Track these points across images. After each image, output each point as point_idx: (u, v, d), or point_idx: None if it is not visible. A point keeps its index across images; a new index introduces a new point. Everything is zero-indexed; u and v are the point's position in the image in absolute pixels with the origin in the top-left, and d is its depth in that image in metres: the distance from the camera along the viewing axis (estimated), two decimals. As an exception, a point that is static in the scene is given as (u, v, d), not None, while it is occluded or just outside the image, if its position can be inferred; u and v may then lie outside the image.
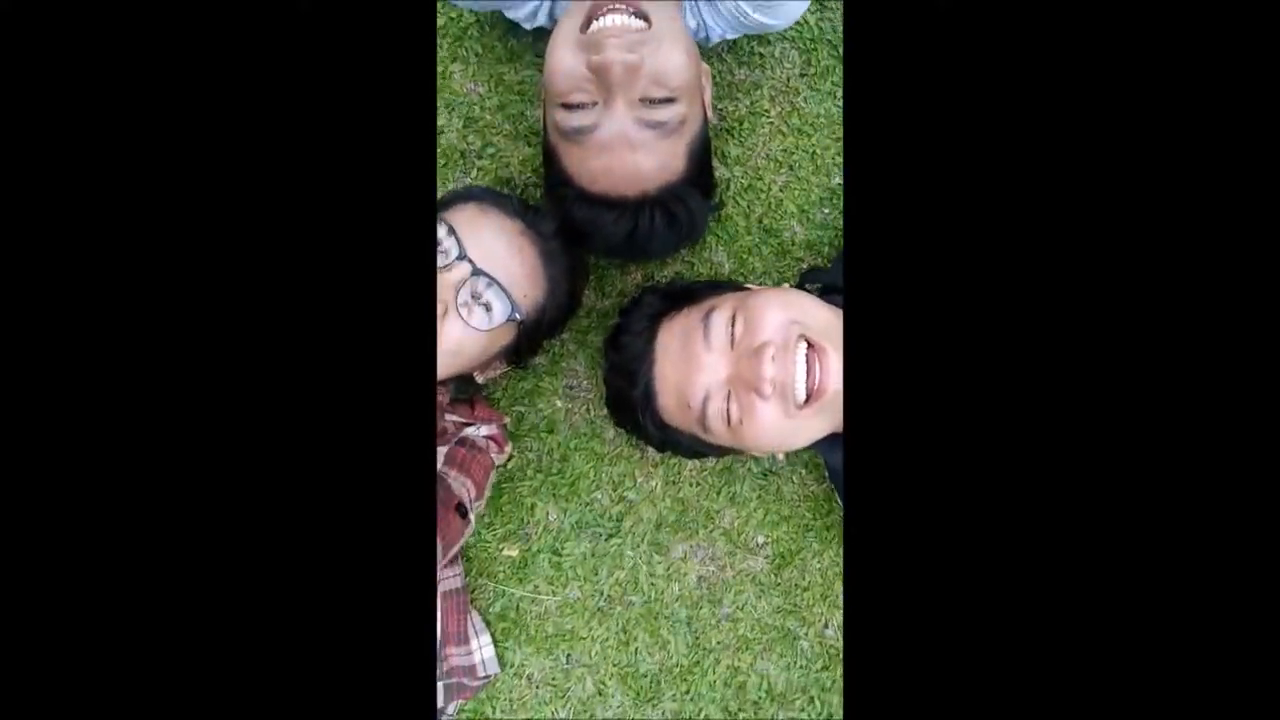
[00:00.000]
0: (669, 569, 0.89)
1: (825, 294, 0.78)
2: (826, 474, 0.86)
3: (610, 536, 0.87)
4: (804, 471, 0.91)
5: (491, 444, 0.75)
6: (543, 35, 0.80)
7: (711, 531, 0.90)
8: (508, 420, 0.77)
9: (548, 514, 0.86)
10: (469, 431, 0.75)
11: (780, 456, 0.82)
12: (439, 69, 0.80)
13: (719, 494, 0.90)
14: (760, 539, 0.91)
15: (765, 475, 0.91)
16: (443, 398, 0.74)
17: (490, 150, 0.82)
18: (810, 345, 0.66)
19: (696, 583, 0.90)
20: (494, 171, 0.82)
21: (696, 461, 0.88)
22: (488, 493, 0.75)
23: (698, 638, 0.90)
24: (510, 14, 0.76)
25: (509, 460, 0.83)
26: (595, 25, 0.61)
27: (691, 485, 0.89)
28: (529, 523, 0.86)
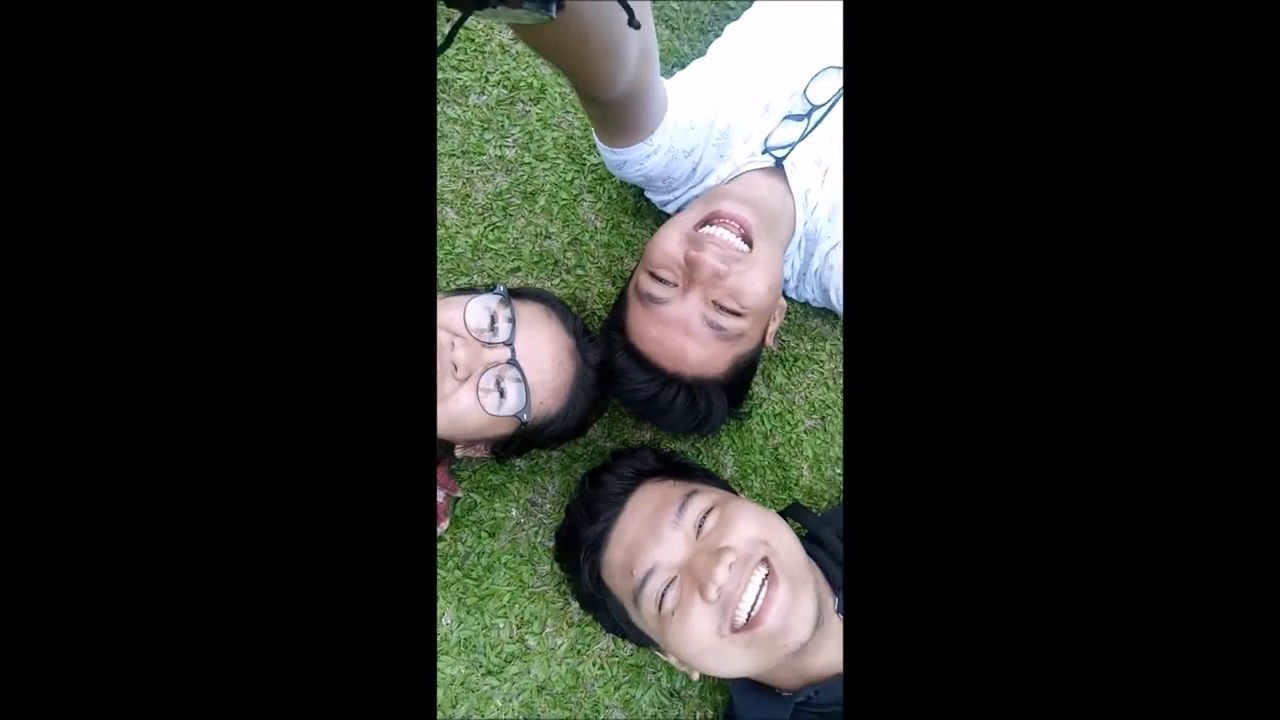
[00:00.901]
0: (527, 743, 0.79)
1: (805, 538, 0.78)
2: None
3: (486, 674, 0.80)
4: (711, 714, 0.83)
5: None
6: (665, 215, 0.91)
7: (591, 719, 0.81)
8: (458, 497, 0.74)
9: (443, 617, 0.80)
10: None
11: (695, 675, 0.76)
12: (571, 193, 0.91)
13: (616, 690, 0.82)
14: (633, 762, 0.81)
15: (671, 695, 0.83)
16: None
17: (580, 272, 0.90)
18: (769, 573, 0.64)
19: (547, 775, 0.79)
20: (574, 289, 0.89)
21: (610, 643, 0.82)
22: None
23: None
24: (649, 194, 0.88)
25: (438, 539, 0.80)
26: (706, 229, 0.70)
27: (595, 665, 0.82)
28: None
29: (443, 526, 0.70)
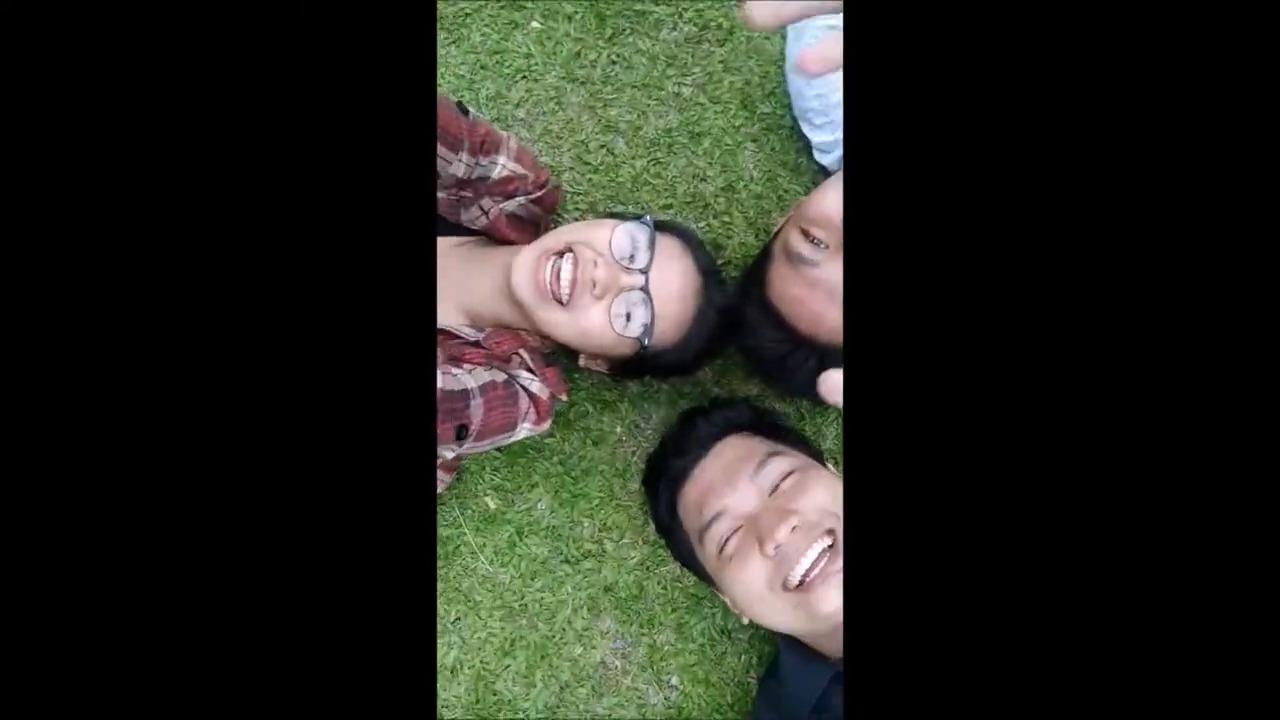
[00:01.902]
0: (584, 630, 0.89)
1: None
2: (765, 674, 0.81)
3: (564, 562, 0.90)
4: (756, 661, 0.87)
5: (533, 409, 0.76)
6: (822, 173, 0.89)
7: (643, 631, 0.88)
8: (565, 397, 0.80)
9: (539, 502, 0.91)
10: (524, 378, 0.75)
11: (745, 620, 0.80)
12: (735, 139, 0.91)
13: (673, 612, 0.88)
14: (675, 680, 0.88)
15: (722, 632, 0.88)
16: (543, 342, 0.79)
17: (726, 219, 0.91)
18: (832, 544, 0.65)
19: (597, 663, 0.88)
20: (718, 235, 0.91)
21: (678, 569, 0.88)
22: (486, 446, 0.75)
23: (554, 708, 0.88)
24: (813, 132, 0.85)
25: (540, 434, 0.84)
26: None
27: (659, 584, 0.89)
28: (520, 492, 0.91)
29: (545, 425, 0.77)
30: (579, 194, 0.92)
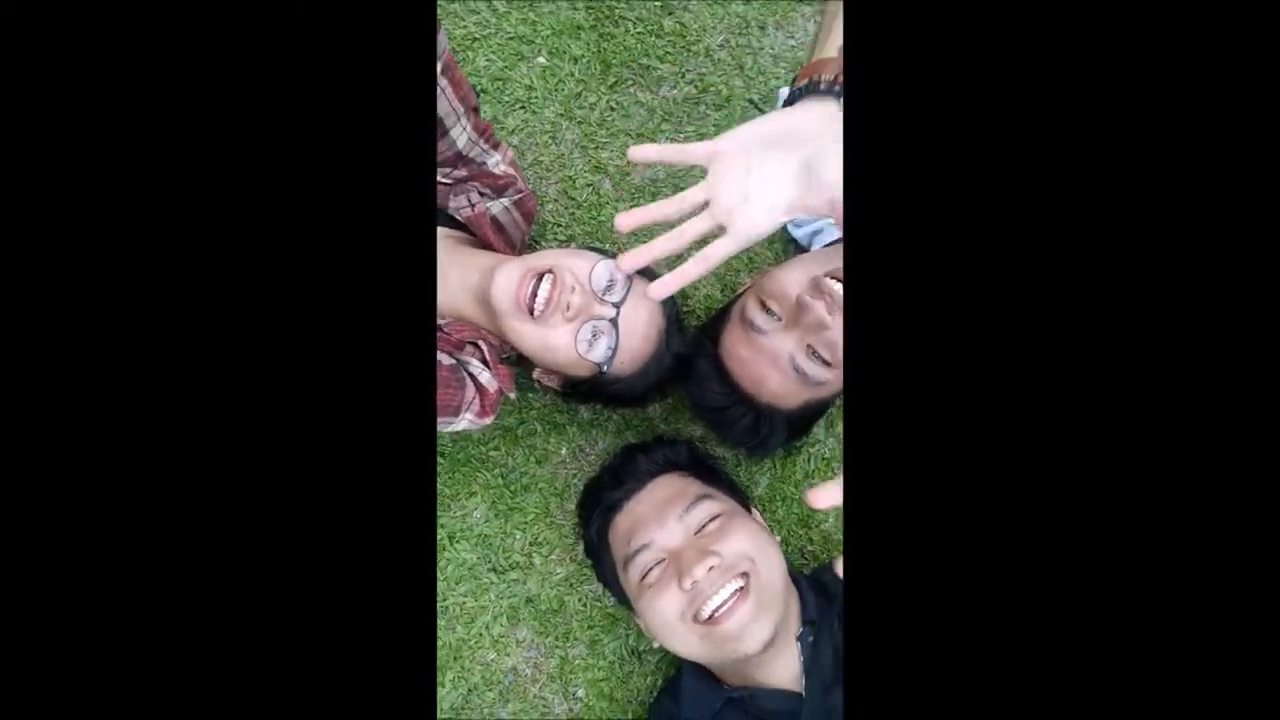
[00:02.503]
0: (500, 637, 0.92)
1: (809, 575, 0.84)
2: (661, 692, 0.87)
3: (491, 570, 0.93)
4: (660, 684, 0.93)
5: (478, 399, 0.78)
6: (793, 245, 0.97)
7: (558, 644, 0.93)
8: (513, 395, 0.83)
9: (475, 510, 0.94)
10: (474, 367, 0.78)
11: (656, 644, 0.86)
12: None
13: (589, 629, 0.93)
14: (581, 693, 0.93)
15: (632, 653, 0.93)
16: (498, 344, 0.82)
17: (696, 271, 0.98)
18: (743, 587, 0.72)
19: (508, 669, 0.92)
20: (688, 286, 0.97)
21: (599, 589, 0.93)
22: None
23: (459, 709, 0.92)
24: (790, 228, 0.93)
25: (481, 429, 0.86)
26: (827, 281, 0.73)
27: (579, 601, 0.94)
28: (458, 499, 0.94)
29: (488, 420, 0.80)
30: (559, 225, 0.97)
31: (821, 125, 0.52)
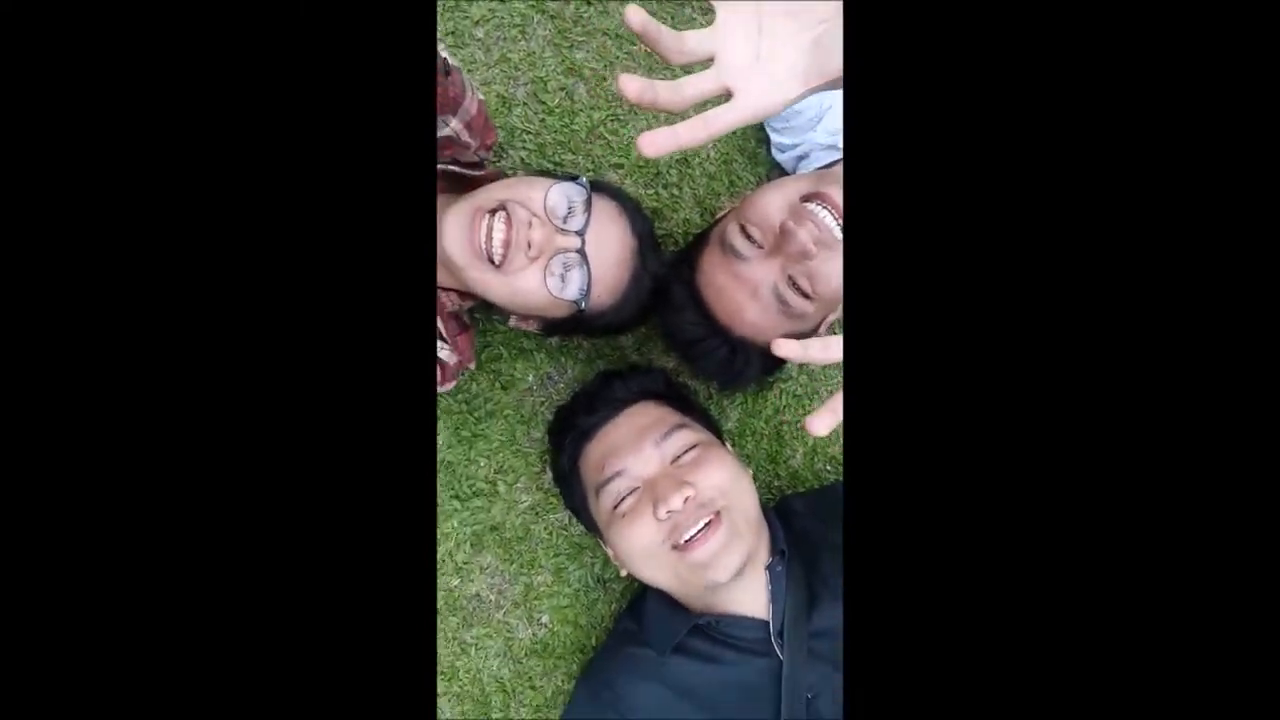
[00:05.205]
0: (465, 563, 0.91)
1: (775, 507, 0.84)
2: (623, 613, 0.88)
3: (454, 497, 0.90)
4: (623, 609, 0.93)
5: (440, 370, 0.75)
6: (777, 169, 0.92)
7: (522, 571, 0.92)
8: (473, 367, 0.80)
9: (437, 437, 0.90)
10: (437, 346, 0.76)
11: (624, 572, 0.85)
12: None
13: (554, 557, 0.92)
14: (545, 619, 0.92)
15: (598, 580, 0.93)
16: (463, 303, 0.78)
17: (675, 191, 0.92)
18: (714, 517, 0.70)
19: (472, 595, 0.91)
20: (664, 205, 0.92)
21: (566, 518, 0.91)
22: None
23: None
24: (771, 130, 0.87)
25: (441, 393, 0.84)
26: (810, 205, 0.69)
27: (545, 530, 0.92)
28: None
29: (447, 387, 0.77)
30: (529, 132, 0.89)
31: (830, 10, 0.47)
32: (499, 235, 0.67)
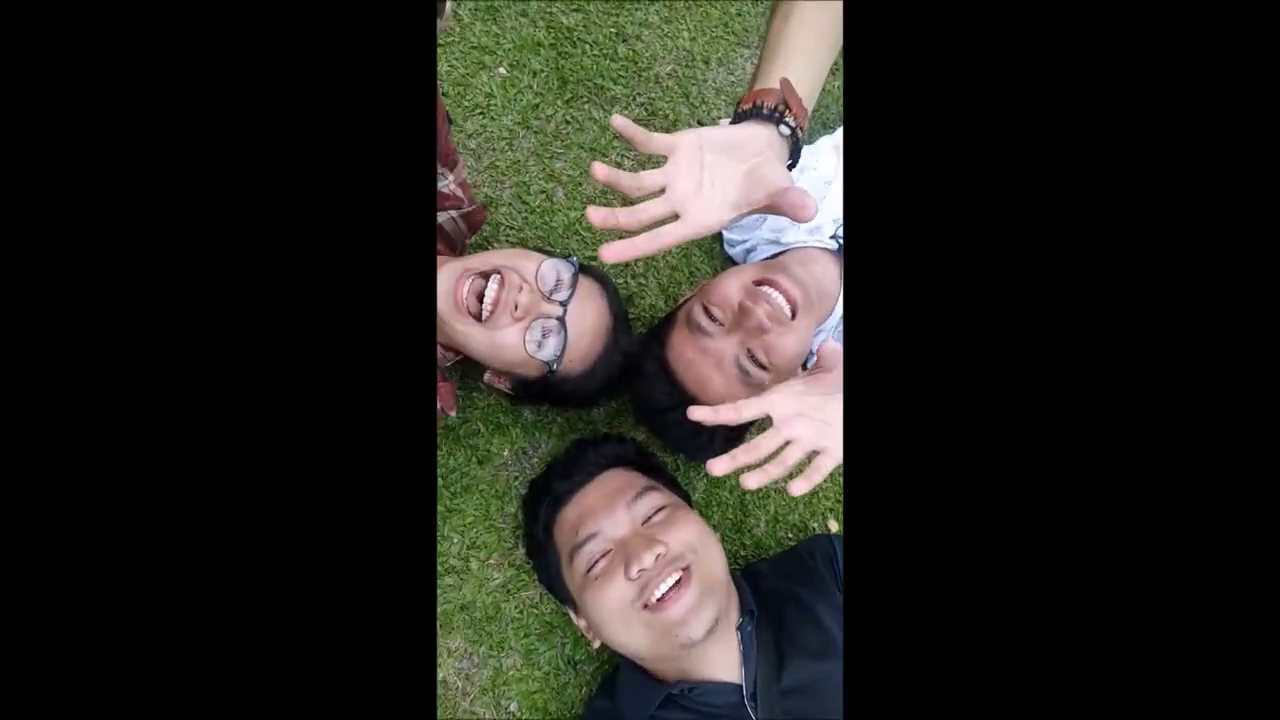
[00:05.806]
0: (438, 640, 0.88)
1: (743, 572, 0.86)
2: (596, 691, 0.85)
3: (428, 574, 0.90)
4: (592, 692, 0.91)
5: None
6: (729, 260, 1.02)
7: (491, 654, 0.89)
8: (453, 413, 0.83)
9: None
10: None
11: (596, 645, 0.84)
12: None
13: (525, 638, 0.91)
14: (514, 706, 0.89)
15: (568, 663, 0.91)
16: (445, 355, 0.82)
17: (642, 281, 1.01)
18: (685, 574, 0.73)
19: (438, 681, 0.88)
20: (632, 292, 1.01)
21: (537, 595, 0.91)
22: None
23: None
24: (726, 231, 0.99)
25: None
26: (763, 289, 0.79)
27: (516, 609, 0.91)
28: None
29: None
30: (512, 228, 0.98)
31: (763, 144, 0.59)
32: (490, 294, 0.73)
